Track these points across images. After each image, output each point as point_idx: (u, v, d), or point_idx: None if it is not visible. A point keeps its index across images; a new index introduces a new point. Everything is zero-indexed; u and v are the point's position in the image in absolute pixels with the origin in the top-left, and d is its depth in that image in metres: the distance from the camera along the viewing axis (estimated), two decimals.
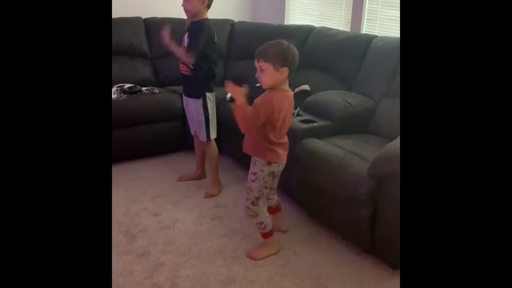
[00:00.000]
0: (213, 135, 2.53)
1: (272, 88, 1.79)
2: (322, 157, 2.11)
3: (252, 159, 1.92)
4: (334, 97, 2.54)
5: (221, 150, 2.63)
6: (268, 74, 1.75)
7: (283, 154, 1.91)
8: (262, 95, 1.80)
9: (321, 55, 2.98)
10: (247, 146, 1.93)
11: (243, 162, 2.90)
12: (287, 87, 1.83)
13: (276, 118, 1.79)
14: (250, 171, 1.93)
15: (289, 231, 2.19)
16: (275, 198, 2.11)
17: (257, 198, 1.93)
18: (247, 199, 1.94)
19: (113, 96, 3.00)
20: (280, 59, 1.72)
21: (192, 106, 2.48)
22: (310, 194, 2.20)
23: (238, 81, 1.77)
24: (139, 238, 2.12)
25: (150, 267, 1.90)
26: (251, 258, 1.98)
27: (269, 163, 1.88)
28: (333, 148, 2.17)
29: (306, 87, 2.79)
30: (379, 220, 1.86)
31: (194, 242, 2.10)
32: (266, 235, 1.98)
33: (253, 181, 1.91)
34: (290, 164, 2.06)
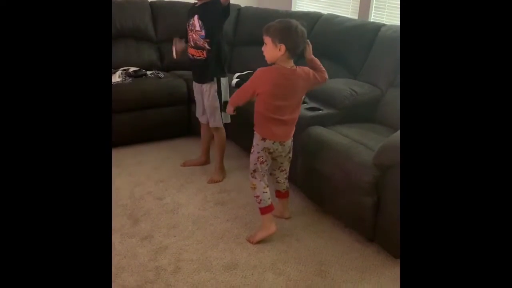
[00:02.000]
0: (227, 119, 2.51)
1: (274, 63, 1.84)
2: (327, 145, 2.11)
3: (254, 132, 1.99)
4: (340, 85, 2.53)
5: (228, 136, 2.63)
6: (267, 47, 1.82)
7: (278, 132, 1.91)
8: None
9: (328, 42, 2.96)
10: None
11: (248, 148, 2.90)
12: (288, 65, 1.84)
13: (263, 91, 1.83)
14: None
15: (292, 218, 2.20)
16: (285, 183, 2.12)
17: (254, 171, 1.97)
18: (249, 170, 2.01)
19: (118, 79, 2.99)
20: (279, 35, 1.77)
21: (206, 93, 2.44)
22: (314, 181, 2.21)
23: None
24: (143, 222, 2.14)
25: (154, 250, 1.92)
26: (248, 241, 2.00)
27: (263, 139, 1.92)
28: (338, 136, 2.17)
29: None
30: (383, 209, 1.87)
31: (198, 227, 2.11)
32: (262, 210, 1.99)
33: (251, 153, 1.98)
34: (295, 152, 2.06)
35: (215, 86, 2.41)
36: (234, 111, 2.05)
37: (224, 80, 2.43)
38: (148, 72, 3.16)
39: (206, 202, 2.35)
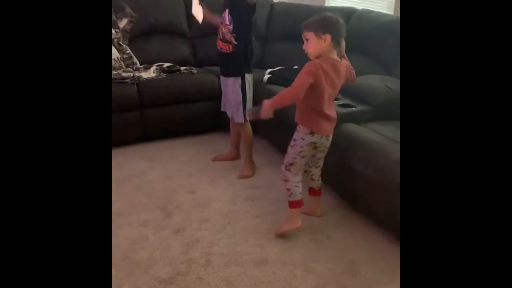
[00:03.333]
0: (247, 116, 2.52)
1: (319, 57, 1.82)
2: (361, 143, 2.08)
3: (297, 126, 1.95)
4: (375, 82, 2.48)
5: (255, 132, 2.63)
6: (311, 42, 1.81)
7: (327, 126, 1.93)
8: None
9: (362, 38, 2.91)
10: (296, 114, 1.96)
11: (278, 144, 2.91)
12: (335, 55, 1.84)
13: (320, 82, 1.80)
14: (292, 137, 1.97)
15: (323, 216, 2.19)
16: (319, 181, 2.12)
17: (290, 164, 1.96)
18: (284, 162, 1.98)
19: (153, 74, 3.05)
20: (322, 26, 1.78)
21: (230, 87, 2.47)
22: (346, 179, 2.18)
23: (255, 111, 1.91)
24: (175, 214, 2.17)
25: (186, 243, 1.95)
26: (275, 233, 2.01)
27: (311, 133, 1.90)
28: (372, 134, 2.13)
29: None
30: None
31: (228, 221, 2.13)
32: (291, 204, 1.99)
33: (291, 146, 1.96)
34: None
35: (239, 81, 2.42)
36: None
37: (249, 76, 2.44)
38: (182, 68, 3.20)
39: (236, 197, 2.37)
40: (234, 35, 2.31)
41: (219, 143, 3.01)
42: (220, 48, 2.41)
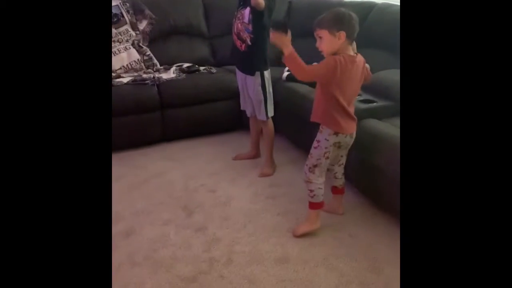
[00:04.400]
0: (271, 113, 2.52)
1: (335, 55, 1.77)
2: (383, 139, 2.04)
3: (320, 127, 1.92)
4: (396, 76, 2.43)
5: (276, 129, 2.62)
6: (325, 40, 1.76)
7: (351, 124, 1.90)
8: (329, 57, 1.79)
9: (382, 32, 2.86)
10: (316, 115, 1.93)
11: (298, 142, 2.89)
12: (351, 52, 1.80)
13: (341, 79, 1.77)
14: (315, 138, 1.94)
15: (345, 213, 2.16)
16: (342, 179, 2.09)
17: (314, 166, 1.93)
18: (306, 165, 1.95)
19: (173, 75, 3.08)
20: (335, 23, 1.73)
21: (250, 85, 2.46)
22: (368, 176, 2.15)
23: (282, 29, 1.77)
24: (197, 213, 2.18)
25: (207, 242, 1.95)
26: (292, 233, 1.99)
27: (336, 133, 1.87)
28: (394, 129, 2.09)
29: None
30: None
31: (249, 220, 2.13)
32: (312, 205, 1.97)
33: (315, 147, 1.92)
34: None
35: (259, 80, 2.42)
36: (282, 55, 1.79)
37: (267, 73, 2.44)
38: (201, 68, 3.22)
39: (257, 195, 2.36)
40: (252, 36, 2.31)
41: (239, 142, 3.02)
42: (235, 43, 2.41)
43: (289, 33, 1.78)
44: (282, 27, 1.78)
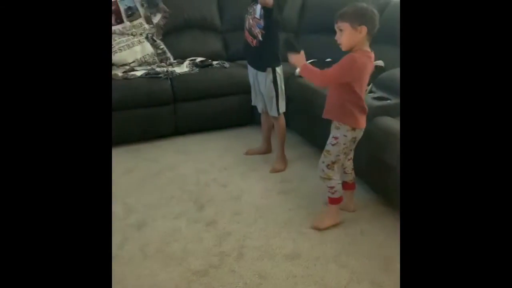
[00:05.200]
0: (282, 109, 2.51)
1: (352, 49, 1.78)
2: (396, 136, 2.02)
3: (335, 123, 1.92)
4: None
5: (288, 125, 2.62)
6: (346, 33, 1.76)
7: (365, 118, 1.92)
8: (344, 56, 1.80)
9: (398, 29, 2.82)
10: (330, 111, 1.93)
11: (309, 138, 2.88)
12: (368, 48, 1.80)
13: (360, 76, 1.78)
14: (331, 135, 1.93)
15: (356, 210, 2.15)
16: (352, 174, 2.10)
17: (333, 162, 1.93)
18: (323, 162, 1.95)
19: (186, 69, 3.09)
20: (358, 17, 1.73)
21: (262, 80, 2.46)
22: (380, 173, 2.14)
23: (293, 49, 1.90)
24: (208, 207, 2.19)
25: (218, 236, 1.96)
26: (316, 228, 1.99)
27: (353, 129, 1.88)
28: None
29: (380, 62, 2.67)
30: None
31: (260, 215, 2.13)
32: (333, 201, 1.99)
33: (333, 145, 1.92)
34: (359, 143, 2.01)
35: (270, 76, 2.41)
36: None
37: (279, 69, 2.43)
38: (214, 62, 3.22)
39: (268, 190, 2.36)
40: (263, 32, 2.30)
41: (251, 137, 3.02)
42: (246, 39, 2.41)
43: (302, 52, 1.88)
44: (293, 47, 1.90)
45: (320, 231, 1.98)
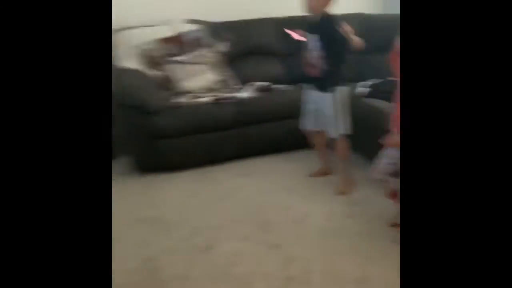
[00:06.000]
0: (346, 130, 2.47)
1: None
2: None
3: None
4: None
5: (353, 146, 2.56)
6: None
7: None
8: None
9: None
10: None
11: (375, 159, 2.78)
12: None
13: None
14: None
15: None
16: None
17: None
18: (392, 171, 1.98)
19: (248, 94, 3.16)
20: None
21: (326, 102, 2.43)
22: None
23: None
24: (271, 230, 2.18)
25: (282, 259, 1.94)
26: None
27: None
28: None
29: None
30: None
31: (325, 238, 2.08)
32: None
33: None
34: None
35: (336, 97, 2.39)
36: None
37: (344, 90, 2.42)
38: (276, 86, 3.27)
39: (333, 213, 2.31)
40: (326, 61, 2.32)
41: (314, 159, 2.98)
42: (309, 72, 2.43)
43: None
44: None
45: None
